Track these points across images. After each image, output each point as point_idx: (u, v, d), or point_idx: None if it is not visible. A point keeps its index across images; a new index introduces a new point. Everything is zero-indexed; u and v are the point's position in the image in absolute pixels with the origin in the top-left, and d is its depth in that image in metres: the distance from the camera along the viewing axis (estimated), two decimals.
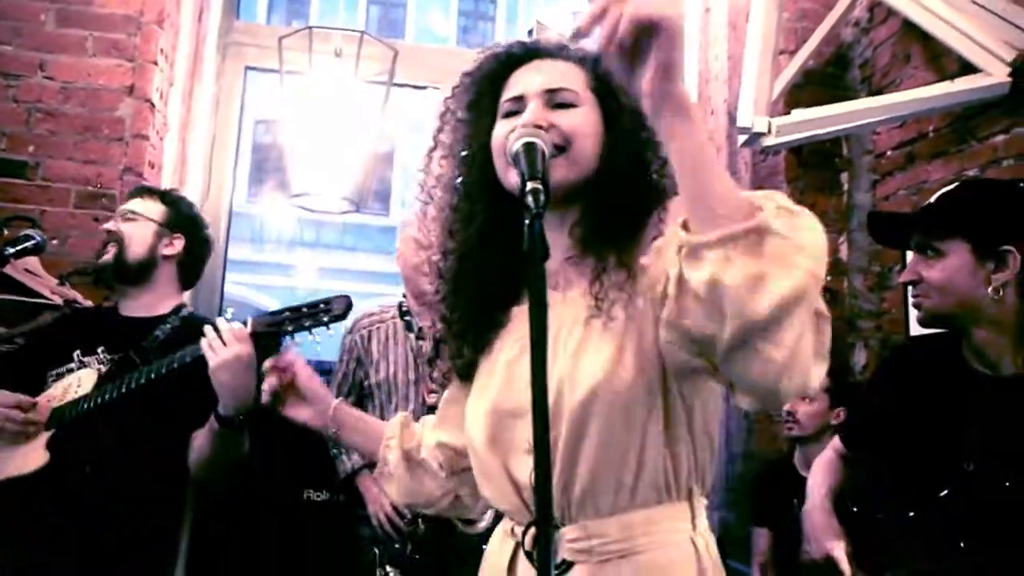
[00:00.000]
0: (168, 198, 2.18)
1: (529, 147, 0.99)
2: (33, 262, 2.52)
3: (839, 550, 1.69)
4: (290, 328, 1.72)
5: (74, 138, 2.75)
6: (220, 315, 3.21)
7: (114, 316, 2.12)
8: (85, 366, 2.00)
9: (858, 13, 3.12)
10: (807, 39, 3.10)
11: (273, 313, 1.77)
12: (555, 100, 1.12)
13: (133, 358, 1.97)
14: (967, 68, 2.43)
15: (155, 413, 1.89)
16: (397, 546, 2.43)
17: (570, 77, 1.14)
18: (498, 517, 1.22)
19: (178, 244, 2.13)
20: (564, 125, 1.09)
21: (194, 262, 2.20)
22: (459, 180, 1.19)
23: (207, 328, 1.69)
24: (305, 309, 1.73)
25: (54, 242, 2.15)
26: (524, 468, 1.07)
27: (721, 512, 3.20)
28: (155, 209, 2.12)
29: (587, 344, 1.05)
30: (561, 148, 1.08)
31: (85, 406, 1.90)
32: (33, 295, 2.56)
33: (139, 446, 1.92)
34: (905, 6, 2.63)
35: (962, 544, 1.49)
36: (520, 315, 1.17)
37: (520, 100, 1.13)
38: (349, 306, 1.71)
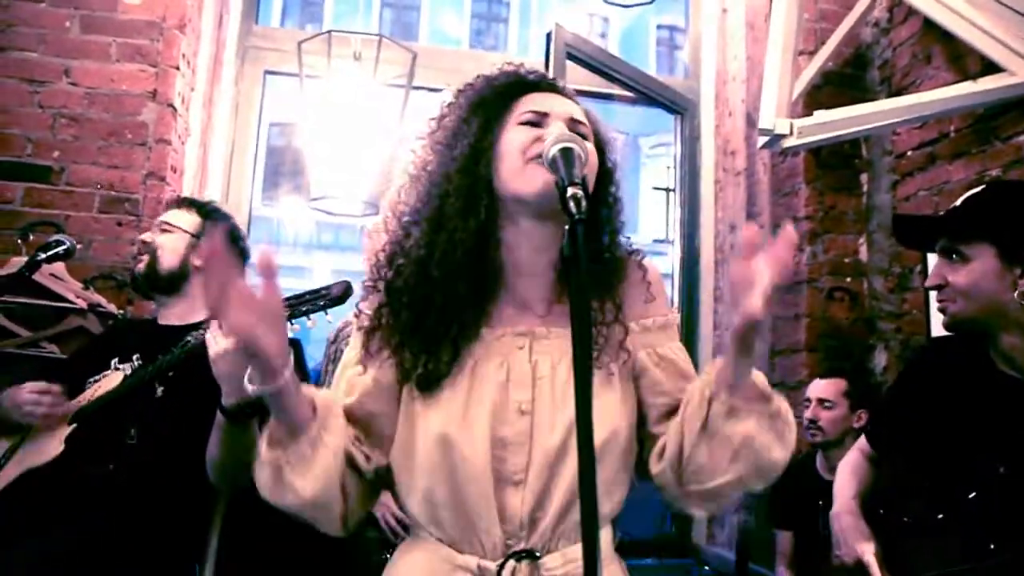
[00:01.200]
0: (205, 209, 2.19)
1: (567, 152, 1.01)
2: (58, 266, 2.55)
3: (869, 554, 1.69)
4: (287, 314, 1.73)
5: (98, 143, 2.77)
6: None
7: (152, 326, 2.16)
8: (117, 370, 2.03)
9: (878, 13, 3.11)
10: (826, 40, 3.09)
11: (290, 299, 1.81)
12: (576, 130, 1.13)
13: (162, 365, 2.00)
14: (989, 68, 2.42)
15: (176, 413, 1.92)
16: None
17: (583, 118, 1.19)
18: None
19: None
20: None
21: None
22: (454, 172, 1.14)
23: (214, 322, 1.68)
24: (306, 296, 1.76)
25: (79, 246, 2.17)
26: (515, 499, 1.08)
27: (742, 515, 3.20)
28: (190, 220, 2.14)
29: (596, 387, 1.08)
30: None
31: (104, 400, 1.94)
32: (58, 299, 2.59)
33: (162, 445, 1.93)
34: (926, 5, 2.62)
35: (992, 546, 1.48)
36: (493, 337, 1.14)
37: (545, 115, 1.14)
38: (348, 290, 1.73)
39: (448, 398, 1.10)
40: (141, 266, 2.11)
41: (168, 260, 2.09)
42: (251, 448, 1.84)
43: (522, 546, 1.08)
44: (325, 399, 1.09)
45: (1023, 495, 1.47)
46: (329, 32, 3.22)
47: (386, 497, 2.47)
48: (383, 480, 1.17)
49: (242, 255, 2.22)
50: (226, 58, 3.39)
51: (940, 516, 1.58)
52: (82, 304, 2.59)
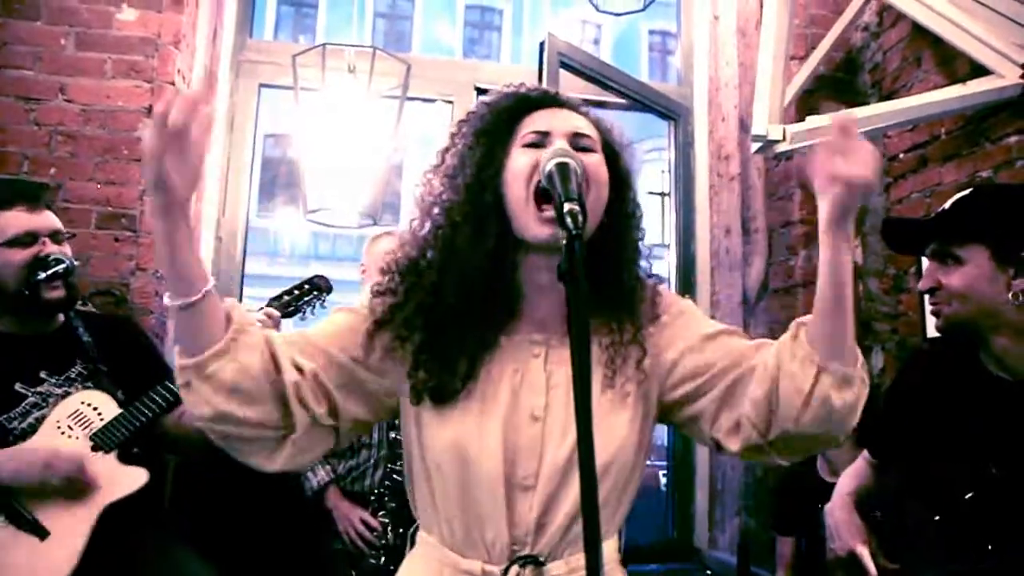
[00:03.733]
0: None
1: (563, 167, 1.01)
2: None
3: (862, 547, 1.70)
4: (292, 309, 2.07)
5: (95, 160, 2.78)
6: None
7: (14, 338, 2.07)
8: (50, 395, 2.00)
9: (867, 18, 3.13)
10: (817, 45, 3.12)
11: (276, 298, 2.12)
12: (579, 144, 1.14)
13: (97, 367, 2.06)
14: (978, 71, 2.44)
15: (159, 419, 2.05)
16: (372, 560, 2.44)
17: (588, 128, 1.18)
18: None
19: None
20: (589, 166, 1.11)
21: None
22: (462, 202, 1.15)
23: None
24: (295, 291, 2.10)
25: (76, 263, 2.18)
26: (524, 504, 1.09)
27: (743, 518, 3.20)
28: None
29: (606, 405, 1.13)
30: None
31: (135, 423, 1.98)
32: None
33: (150, 439, 2.07)
34: (915, 10, 2.64)
35: (988, 547, 1.49)
36: (511, 344, 1.16)
37: (546, 135, 1.14)
38: (327, 281, 2.08)
39: (463, 406, 1.12)
40: (60, 293, 2.04)
41: (74, 275, 2.11)
42: None
43: (527, 552, 1.09)
44: (243, 317, 1.06)
45: (1017, 496, 1.48)
46: (323, 45, 3.23)
47: (350, 510, 2.52)
48: (344, 432, 1.15)
49: None
50: (221, 72, 3.40)
51: (937, 518, 1.59)
52: None
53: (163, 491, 2.20)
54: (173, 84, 2.87)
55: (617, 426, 1.13)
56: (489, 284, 1.12)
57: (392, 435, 2.52)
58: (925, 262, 1.75)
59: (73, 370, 2.05)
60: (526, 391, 1.12)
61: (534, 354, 1.15)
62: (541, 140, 1.14)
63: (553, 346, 1.15)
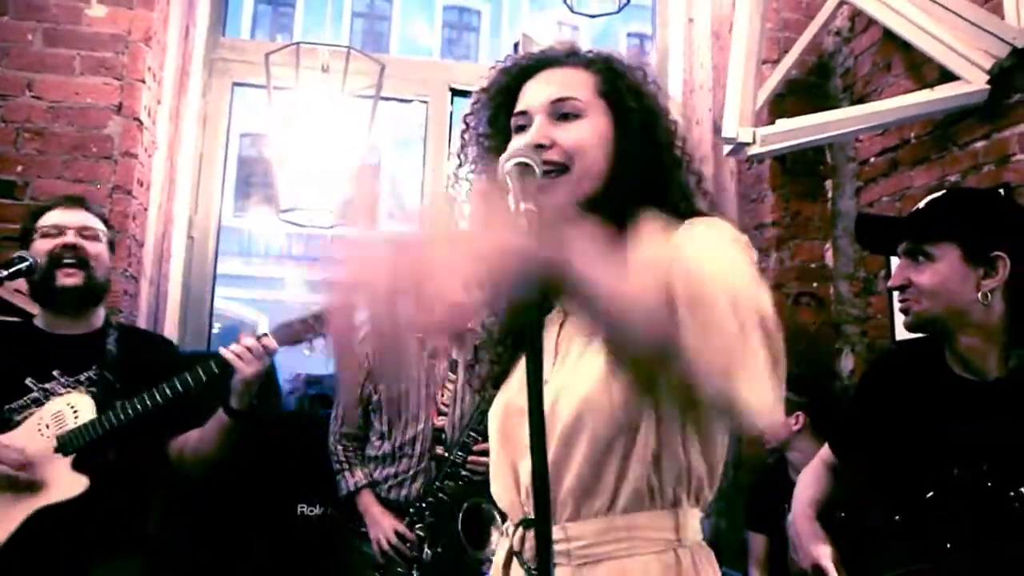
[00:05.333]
0: (87, 204, 2.24)
1: (521, 168, 0.99)
2: (21, 281, 2.51)
3: (826, 558, 1.70)
4: (296, 339, 2.02)
5: (63, 157, 2.75)
6: (209, 329, 3.24)
7: (42, 334, 2.13)
8: (54, 393, 2.01)
9: (839, 23, 3.17)
10: (789, 49, 3.14)
11: (283, 326, 2.06)
12: (561, 111, 1.11)
13: (107, 376, 2.04)
14: (947, 76, 2.47)
15: (156, 427, 2.04)
16: (400, 570, 2.41)
17: (577, 85, 1.14)
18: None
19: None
20: (566, 142, 1.09)
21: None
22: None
23: (234, 346, 2.00)
24: (310, 320, 2.01)
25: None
26: (526, 466, 1.07)
27: (713, 518, 3.22)
28: (102, 229, 2.19)
29: (587, 357, 1.06)
30: (563, 167, 1.08)
31: (100, 429, 1.96)
32: (22, 314, 2.56)
33: (136, 455, 2.04)
34: (885, 16, 2.67)
35: (948, 545, 1.51)
36: (549, 323, 1.17)
37: (526, 115, 1.13)
38: None
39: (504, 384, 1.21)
40: (75, 280, 2.07)
41: (101, 271, 2.12)
42: (235, 443, 2.05)
43: (530, 513, 1.08)
44: None
45: (978, 495, 1.50)
46: (297, 44, 3.22)
47: (382, 517, 2.47)
48: None
49: None
50: (193, 70, 3.37)
51: (897, 518, 1.60)
52: None
53: (145, 510, 2.17)
54: (143, 82, 2.84)
55: (595, 371, 1.03)
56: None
57: (439, 450, 2.50)
58: (895, 263, 1.77)
59: (84, 374, 2.05)
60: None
61: (555, 323, 1.16)
62: (525, 122, 1.13)
63: (570, 315, 1.13)
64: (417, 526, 2.43)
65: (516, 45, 3.04)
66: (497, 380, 1.22)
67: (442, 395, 2.54)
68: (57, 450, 1.95)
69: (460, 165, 1.23)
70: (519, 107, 1.15)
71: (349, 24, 18.02)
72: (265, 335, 2.05)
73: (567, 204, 1.07)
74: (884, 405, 1.74)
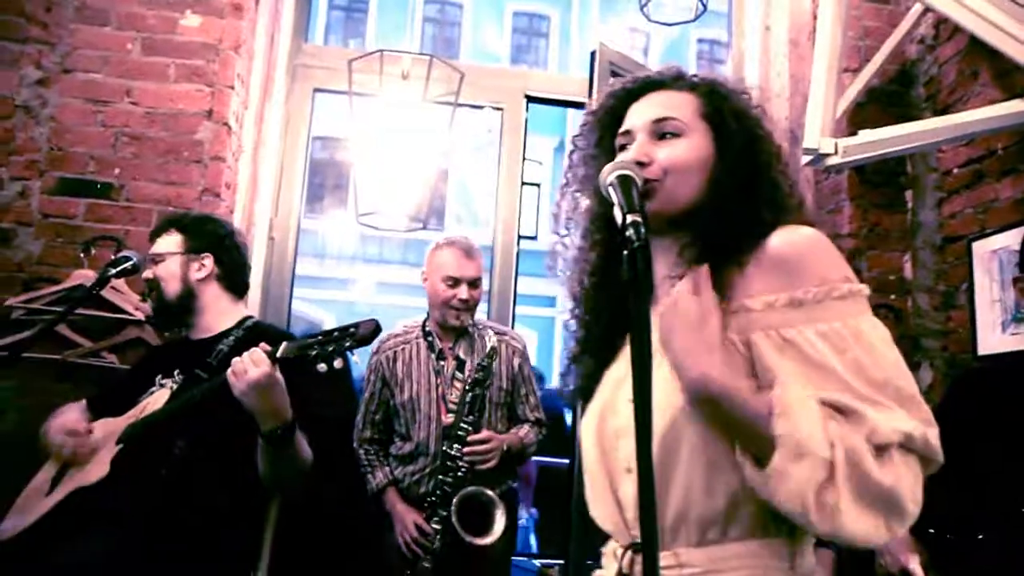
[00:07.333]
0: (181, 223, 2.26)
1: (623, 180, 1.02)
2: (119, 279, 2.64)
3: (915, 563, 1.69)
4: (314, 354, 1.74)
5: (156, 161, 2.88)
6: (288, 329, 3.30)
7: (185, 341, 2.27)
8: (162, 387, 2.12)
9: (923, 30, 3.10)
10: (871, 57, 3.09)
11: (303, 338, 1.83)
12: (662, 130, 1.15)
13: (200, 375, 2.09)
14: None
15: (223, 426, 1.96)
16: (426, 564, 2.52)
17: (679, 106, 1.17)
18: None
19: (208, 263, 2.22)
20: (662, 159, 1.13)
21: (233, 271, 2.28)
22: (587, 214, 1.25)
23: (235, 360, 1.80)
24: (335, 333, 1.75)
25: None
26: (627, 488, 1.10)
27: None
28: (173, 241, 2.22)
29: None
30: (656, 182, 1.12)
31: (152, 419, 2.03)
32: (117, 311, 2.69)
33: (212, 457, 2.00)
34: (971, 23, 2.61)
35: None
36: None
37: (629, 134, 1.18)
38: (375, 330, 1.73)
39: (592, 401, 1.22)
40: (151, 304, 2.23)
41: (172, 287, 2.18)
42: (295, 460, 1.91)
43: (637, 536, 1.09)
44: None
45: None
46: (380, 51, 3.30)
47: (405, 514, 2.60)
48: None
49: (236, 251, 2.29)
50: (277, 76, 3.48)
51: (989, 534, 1.57)
52: (140, 316, 2.68)
53: (222, 515, 2.01)
54: (232, 88, 2.95)
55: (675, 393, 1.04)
56: (611, 281, 1.20)
57: (444, 447, 2.60)
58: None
59: (194, 374, 2.11)
60: (628, 378, 1.10)
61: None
62: (627, 141, 1.18)
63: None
64: (433, 520, 2.56)
65: (593, 53, 3.06)
66: (586, 393, 1.23)
67: (451, 394, 2.69)
68: (119, 440, 2.03)
69: (567, 184, 1.28)
70: (623, 127, 1.19)
71: (420, 29, 18.26)
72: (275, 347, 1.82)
73: (655, 217, 1.09)
74: (975, 420, 1.71)
